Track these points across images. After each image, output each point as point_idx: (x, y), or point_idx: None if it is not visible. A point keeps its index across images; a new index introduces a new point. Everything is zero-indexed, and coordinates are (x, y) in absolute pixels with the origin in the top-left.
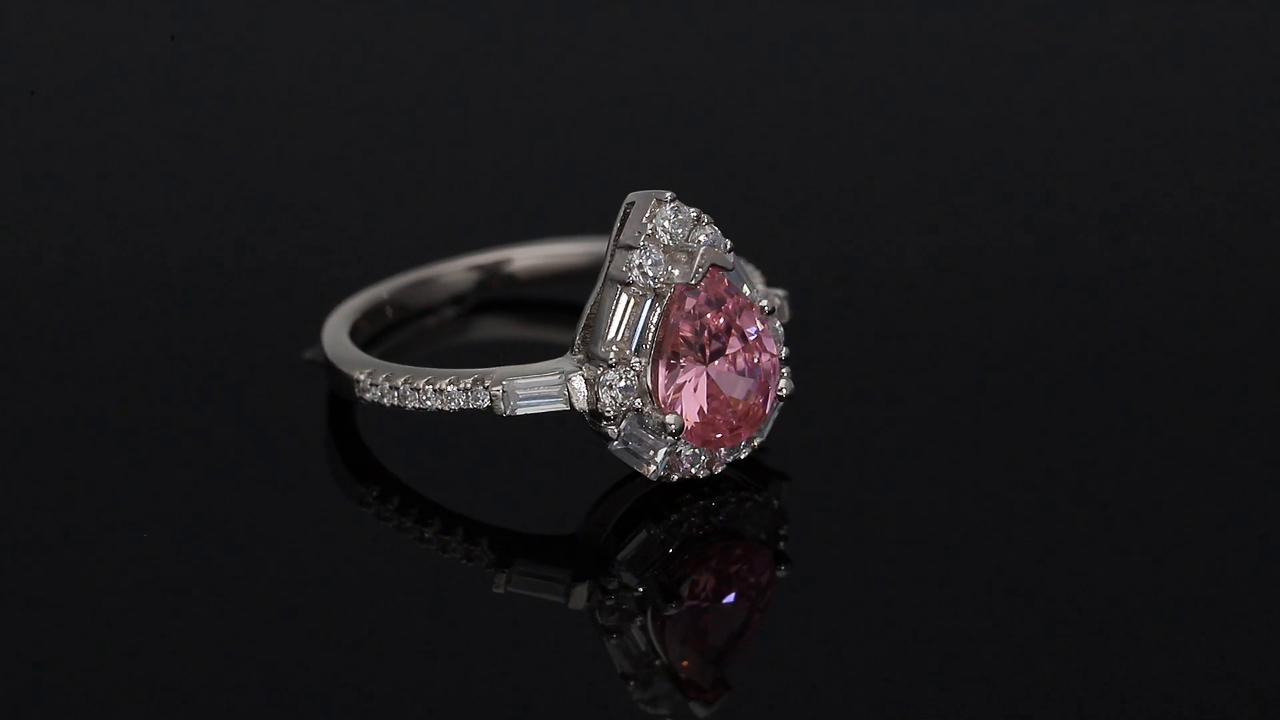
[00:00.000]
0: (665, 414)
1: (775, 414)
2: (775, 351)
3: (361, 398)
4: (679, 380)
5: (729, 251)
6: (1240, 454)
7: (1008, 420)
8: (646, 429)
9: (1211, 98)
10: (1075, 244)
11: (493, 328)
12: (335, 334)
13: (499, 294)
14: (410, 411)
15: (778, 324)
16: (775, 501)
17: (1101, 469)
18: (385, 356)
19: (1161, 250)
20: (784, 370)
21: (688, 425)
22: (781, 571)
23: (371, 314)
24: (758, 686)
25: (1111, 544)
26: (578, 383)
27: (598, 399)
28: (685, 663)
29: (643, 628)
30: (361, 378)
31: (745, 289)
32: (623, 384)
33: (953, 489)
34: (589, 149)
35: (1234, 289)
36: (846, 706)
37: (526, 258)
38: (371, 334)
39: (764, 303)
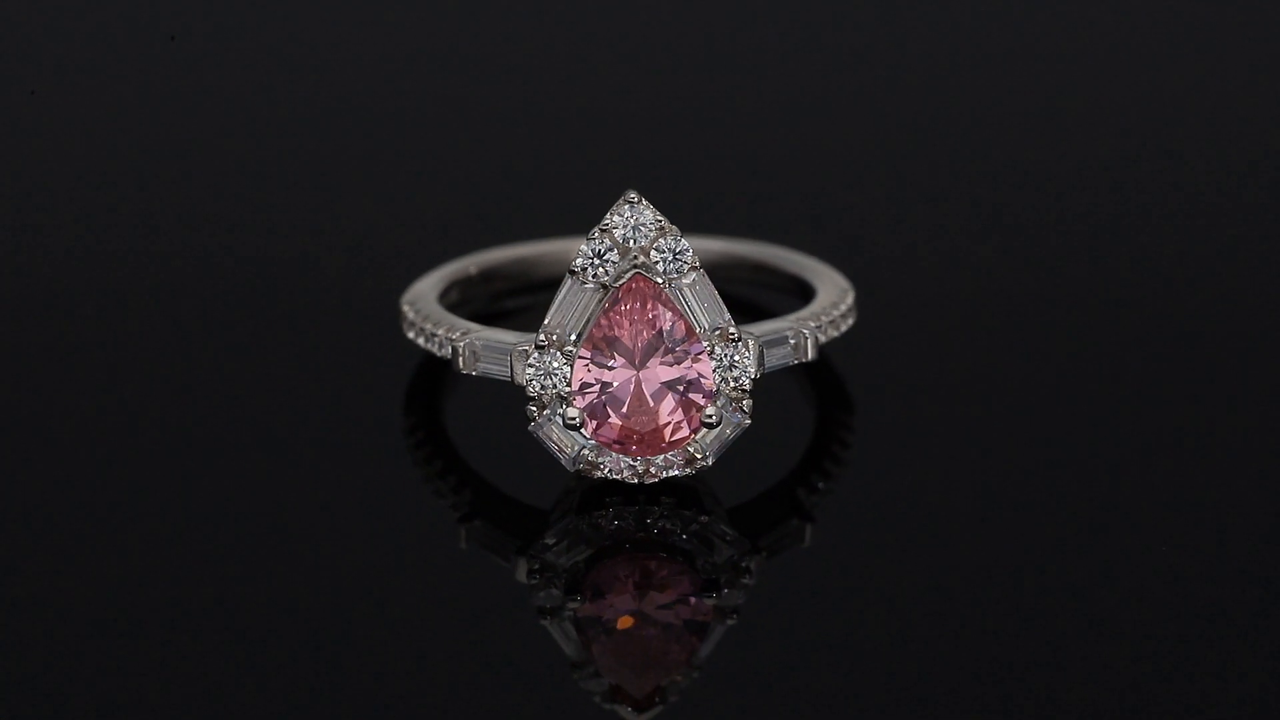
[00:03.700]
0: (569, 406)
1: (727, 441)
2: (709, 376)
3: (402, 327)
4: (596, 377)
5: (694, 269)
6: None
7: (1020, 458)
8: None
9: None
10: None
11: None
12: (430, 280)
13: None
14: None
15: (745, 353)
16: (725, 527)
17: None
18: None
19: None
20: (745, 404)
21: (595, 423)
22: (713, 599)
23: (468, 279)
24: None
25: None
26: (518, 359)
27: (525, 378)
28: (605, 666)
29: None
30: (405, 309)
31: (696, 309)
32: (546, 368)
33: (947, 533)
34: (702, 145)
35: None
36: None
37: None
38: (501, 291)
39: (732, 329)
